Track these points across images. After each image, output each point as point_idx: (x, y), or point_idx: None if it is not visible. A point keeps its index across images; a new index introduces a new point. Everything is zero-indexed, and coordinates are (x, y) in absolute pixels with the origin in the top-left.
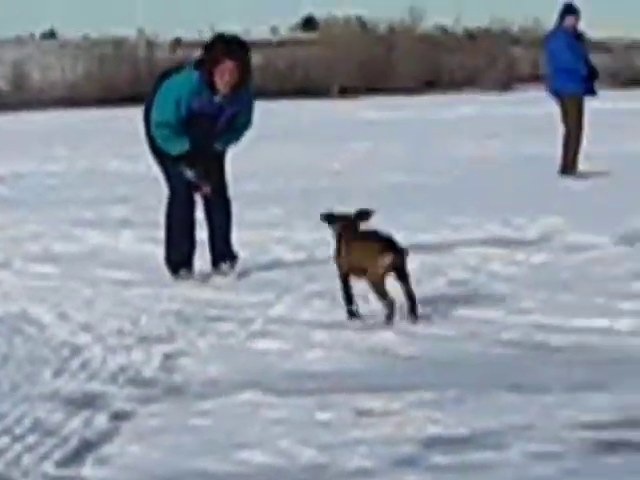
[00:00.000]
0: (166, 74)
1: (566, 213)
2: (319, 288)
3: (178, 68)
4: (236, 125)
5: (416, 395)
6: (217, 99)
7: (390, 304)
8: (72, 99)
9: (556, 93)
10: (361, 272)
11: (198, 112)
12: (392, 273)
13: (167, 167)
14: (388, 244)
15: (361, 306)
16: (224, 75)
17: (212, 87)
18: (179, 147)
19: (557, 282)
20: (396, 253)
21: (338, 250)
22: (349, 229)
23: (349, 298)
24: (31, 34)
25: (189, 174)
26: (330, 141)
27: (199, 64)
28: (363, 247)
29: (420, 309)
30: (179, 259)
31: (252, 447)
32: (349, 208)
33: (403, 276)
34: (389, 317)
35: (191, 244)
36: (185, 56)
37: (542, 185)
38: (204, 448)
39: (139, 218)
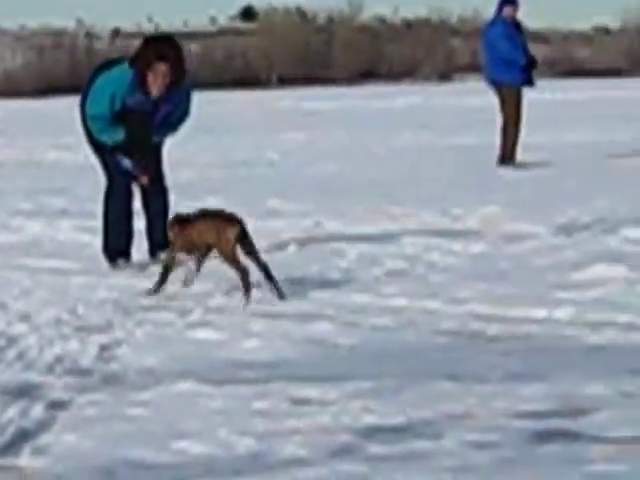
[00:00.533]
0: (103, 66)
1: (504, 203)
2: (256, 277)
3: (115, 61)
4: (172, 120)
5: (353, 385)
6: (151, 97)
7: (244, 271)
8: (10, 89)
9: (494, 83)
10: (206, 248)
11: (132, 108)
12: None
13: (104, 157)
14: (230, 217)
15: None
16: (157, 78)
17: (145, 88)
18: (114, 137)
19: (495, 272)
20: (239, 224)
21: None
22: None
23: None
24: None
25: (126, 163)
26: (268, 131)
27: (133, 62)
28: (208, 224)
29: (357, 298)
30: (116, 249)
31: (190, 437)
32: (283, 198)
33: (251, 248)
34: (247, 290)
35: (128, 234)
36: (124, 47)
37: (480, 175)
38: (141, 438)
39: (77, 208)
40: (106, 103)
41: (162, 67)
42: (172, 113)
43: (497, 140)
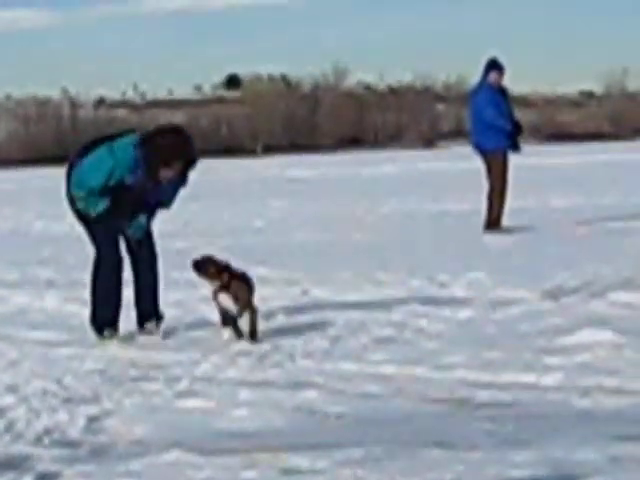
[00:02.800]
0: (102, 140)
1: (491, 269)
2: (245, 347)
3: (117, 135)
4: (166, 199)
5: (343, 453)
6: (149, 184)
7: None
8: None
9: (480, 149)
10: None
11: (130, 186)
12: None
13: (91, 228)
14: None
15: (287, 364)
16: (169, 172)
17: (153, 175)
18: (99, 207)
19: (483, 338)
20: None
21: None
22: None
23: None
24: None
25: (113, 225)
26: (254, 199)
27: (143, 144)
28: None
29: (346, 366)
30: (104, 319)
31: None
32: (270, 266)
33: None
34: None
35: (117, 305)
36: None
37: (466, 241)
38: None
39: (64, 278)
40: (100, 178)
41: (178, 167)
42: (161, 201)
43: (483, 206)
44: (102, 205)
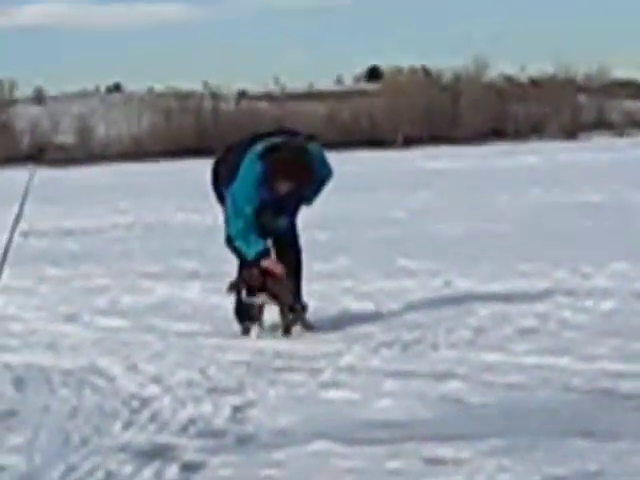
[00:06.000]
0: (245, 144)
1: (635, 259)
2: (388, 337)
3: (258, 137)
4: (307, 198)
5: (487, 443)
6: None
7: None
8: (137, 152)
9: None
10: None
11: (267, 199)
12: None
13: None
14: None
15: (430, 354)
16: (282, 187)
17: (272, 188)
18: (255, 249)
19: (627, 329)
20: None
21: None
22: None
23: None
24: (96, 87)
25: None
26: (395, 191)
27: (262, 157)
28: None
29: (489, 357)
30: (248, 312)
31: None
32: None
33: None
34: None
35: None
36: (250, 108)
37: (609, 232)
38: None
39: (206, 270)
40: (247, 200)
41: (288, 184)
42: (304, 198)
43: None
44: (258, 247)
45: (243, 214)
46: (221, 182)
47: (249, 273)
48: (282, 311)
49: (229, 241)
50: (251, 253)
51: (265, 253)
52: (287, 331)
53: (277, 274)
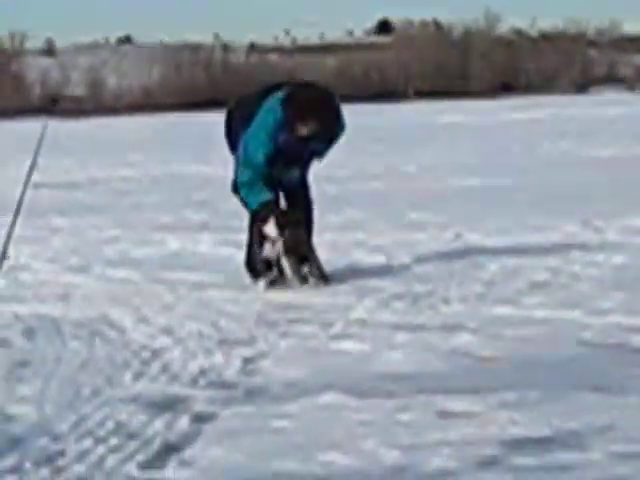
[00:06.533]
0: (258, 96)
1: None
2: (399, 290)
3: (274, 87)
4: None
5: (498, 396)
6: (299, 136)
7: None
8: (148, 104)
9: None
10: None
11: (282, 147)
12: None
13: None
14: None
15: (441, 307)
16: (303, 130)
17: (293, 130)
18: (258, 199)
19: (638, 282)
20: None
21: None
22: None
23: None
24: (107, 39)
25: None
26: (406, 144)
27: (286, 101)
28: None
29: (500, 310)
30: (260, 263)
31: (336, 449)
32: (423, 210)
33: None
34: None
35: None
36: (260, 61)
37: (620, 186)
38: (286, 450)
39: (217, 222)
40: (261, 145)
41: (315, 125)
42: (317, 151)
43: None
44: (265, 197)
45: (253, 163)
46: (234, 131)
47: (264, 223)
48: (297, 262)
49: (235, 189)
50: (254, 203)
51: (267, 204)
52: (303, 282)
53: (269, 236)
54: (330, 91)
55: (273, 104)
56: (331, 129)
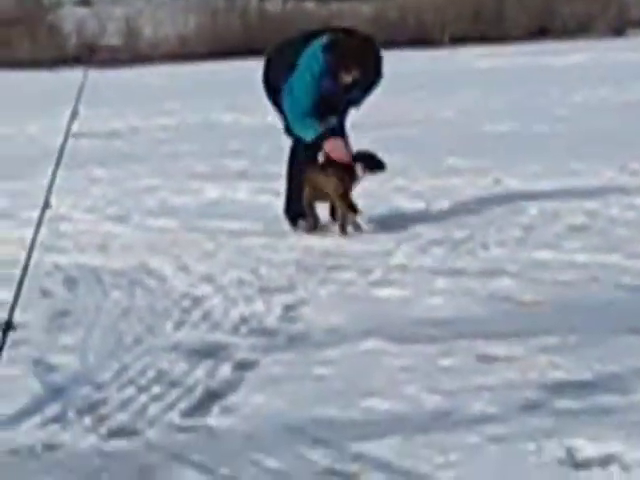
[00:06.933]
0: (297, 43)
1: None
2: (438, 235)
3: (310, 35)
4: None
5: (538, 340)
6: (341, 83)
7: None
8: (184, 53)
9: None
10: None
11: (324, 94)
12: None
13: (290, 124)
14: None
15: (480, 252)
16: (347, 77)
17: (336, 77)
18: (314, 130)
19: None
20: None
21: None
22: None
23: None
24: None
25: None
26: (443, 90)
27: (329, 48)
28: None
29: (540, 254)
30: (298, 210)
31: (377, 394)
32: (461, 156)
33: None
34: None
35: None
36: (297, 10)
37: None
38: (328, 396)
39: (255, 170)
40: (307, 91)
41: (356, 72)
42: (358, 94)
43: None
44: (316, 130)
45: (302, 106)
46: (274, 78)
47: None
48: (338, 208)
49: (288, 131)
50: (310, 134)
51: (324, 135)
52: (343, 230)
53: (341, 159)
54: (371, 38)
55: (315, 51)
56: (372, 77)
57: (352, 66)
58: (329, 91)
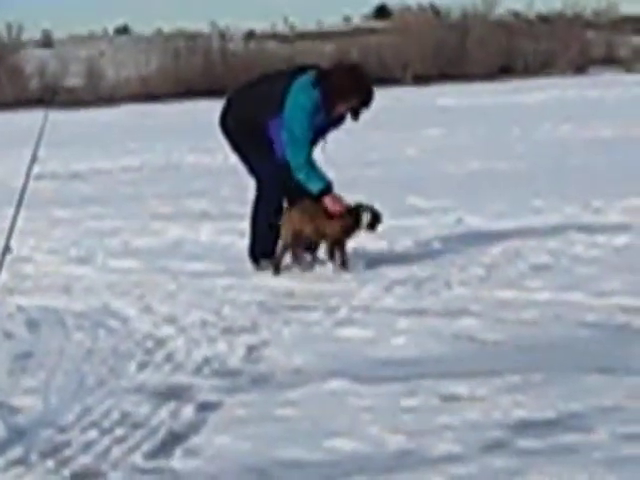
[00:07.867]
0: (275, 78)
1: None
2: (401, 275)
3: (297, 72)
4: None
5: (502, 380)
6: (330, 116)
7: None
8: (146, 94)
9: None
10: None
11: (315, 128)
12: None
13: (255, 164)
14: None
15: (444, 292)
16: (343, 108)
17: (329, 110)
18: (321, 184)
19: (639, 264)
20: None
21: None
22: None
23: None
24: (104, 30)
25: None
26: (405, 128)
27: (319, 82)
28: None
29: (503, 293)
30: (263, 251)
31: (341, 435)
32: (424, 195)
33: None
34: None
35: (276, 237)
36: (258, 49)
37: (620, 167)
38: (292, 437)
39: (218, 210)
40: (306, 127)
41: (355, 103)
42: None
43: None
44: (322, 182)
45: (305, 143)
46: (258, 114)
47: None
48: (333, 247)
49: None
50: (316, 186)
51: (329, 189)
52: (344, 265)
53: (337, 212)
54: (358, 65)
55: (303, 87)
56: (369, 98)
57: (350, 96)
58: (318, 126)
